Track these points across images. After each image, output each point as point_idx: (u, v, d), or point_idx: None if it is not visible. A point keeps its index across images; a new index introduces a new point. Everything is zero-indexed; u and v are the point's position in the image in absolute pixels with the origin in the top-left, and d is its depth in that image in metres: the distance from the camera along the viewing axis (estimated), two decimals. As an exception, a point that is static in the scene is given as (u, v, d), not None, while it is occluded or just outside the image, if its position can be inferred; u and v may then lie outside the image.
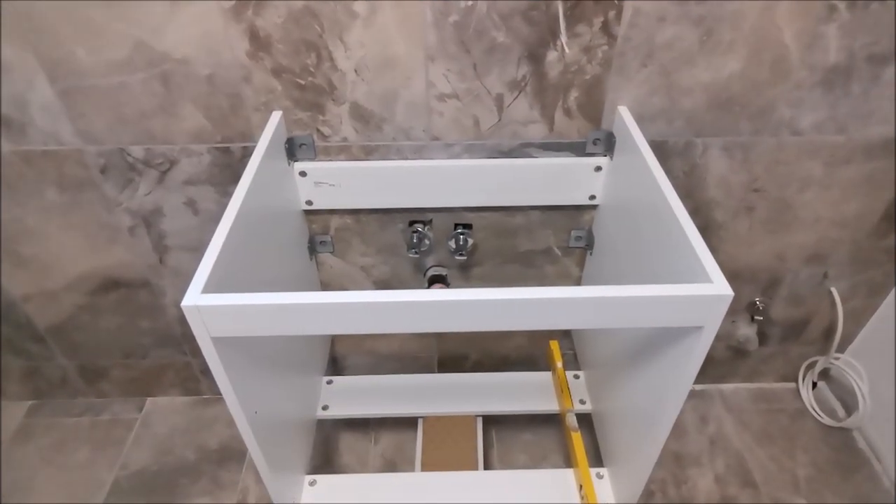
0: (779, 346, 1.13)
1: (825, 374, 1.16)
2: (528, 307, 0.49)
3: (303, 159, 0.81)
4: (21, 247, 0.90)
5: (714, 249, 0.94)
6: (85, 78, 0.72)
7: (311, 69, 0.72)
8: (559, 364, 0.98)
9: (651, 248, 0.67)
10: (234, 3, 0.67)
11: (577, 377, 1.01)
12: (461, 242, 0.88)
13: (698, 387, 1.20)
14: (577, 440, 0.86)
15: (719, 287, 0.48)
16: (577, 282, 0.99)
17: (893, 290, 1.01)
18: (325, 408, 0.97)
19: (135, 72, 0.72)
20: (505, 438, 1.11)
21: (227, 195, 0.84)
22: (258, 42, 0.70)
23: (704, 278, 0.50)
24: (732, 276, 0.99)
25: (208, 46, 0.70)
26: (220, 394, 0.55)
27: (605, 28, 0.70)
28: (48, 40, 0.68)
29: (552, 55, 0.72)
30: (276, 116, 0.75)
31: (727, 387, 1.20)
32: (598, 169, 0.82)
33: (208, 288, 0.50)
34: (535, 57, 0.72)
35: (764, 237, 0.93)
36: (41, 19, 0.67)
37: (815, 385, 1.16)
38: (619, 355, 0.80)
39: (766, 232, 0.93)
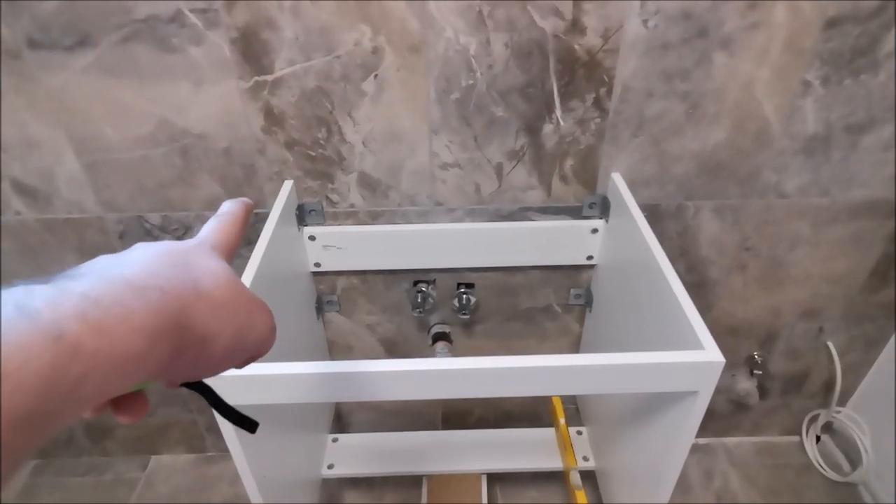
0: (780, 399, 1.14)
1: (828, 427, 1.16)
2: (526, 375, 0.51)
3: (312, 224, 0.84)
4: (38, 309, 0.93)
5: (710, 306, 0.97)
6: (110, 152, 0.77)
7: (322, 142, 0.77)
8: (562, 421, 0.99)
9: (646, 310, 0.69)
10: (251, 84, 0.72)
11: (579, 433, 1.02)
12: (464, 301, 0.91)
13: (702, 441, 1.20)
14: (581, 498, 0.86)
15: (711, 354, 0.51)
16: (578, 338, 1.01)
17: (890, 344, 1.03)
18: (330, 466, 0.97)
19: (157, 146, 0.76)
20: (510, 496, 1.10)
21: (238, 257, 0.87)
22: (273, 118, 0.75)
23: (696, 345, 0.52)
24: (729, 332, 1.01)
25: (226, 122, 0.75)
26: (225, 451, 0.57)
27: (598, 103, 0.75)
28: (78, 119, 0.73)
29: (548, 127, 0.77)
30: (287, 185, 0.79)
31: (731, 440, 1.20)
32: (595, 231, 0.85)
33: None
34: (532, 129, 0.77)
35: (758, 293, 0.96)
36: (73, 100, 0.72)
37: (818, 439, 1.16)
38: (619, 413, 0.81)
39: (759, 289, 0.95)
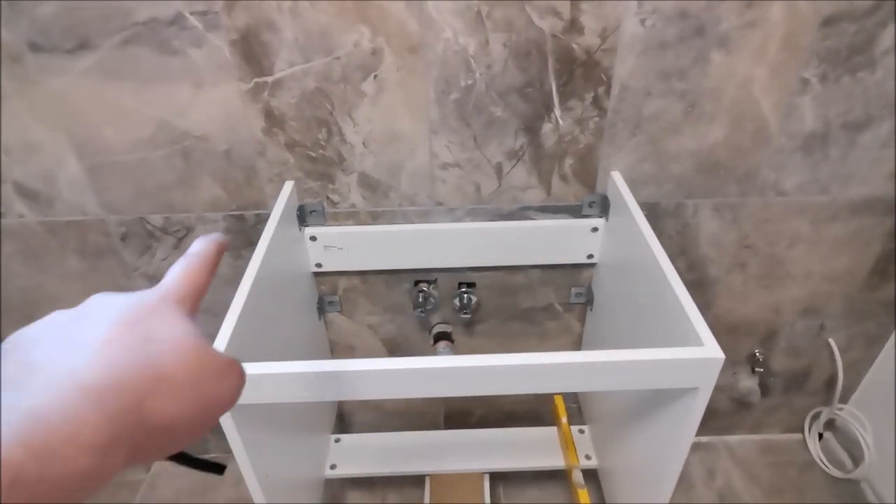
0: (782, 397, 1.14)
1: (831, 424, 1.16)
2: (528, 372, 0.52)
3: (313, 225, 0.85)
4: (41, 312, 0.93)
5: (710, 304, 0.97)
6: (111, 155, 0.77)
7: (322, 143, 0.77)
8: (564, 419, 1.00)
9: (646, 307, 0.70)
10: (251, 85, 0.72)
11: (581, 432, 1.02)
12: (465, 301, 0.91)
13: (704, 439, 1.20)
14: (584, 497, 0.86)
15: (711, 350, 0.51)
16: (579, 337, 1.02)
17: (891, 341, 1.03)
18: (332, 467, 0.98)
19: (157, 148, 0.77)
20: (512, 494, 1.11)
21: (240, 259, 0.88)
22: (273, 119, 0.75)
23: (696, 341, 0.52)
24: (730, 330, 1.01)
25: (227, 125, 0.75)
26: (227, 452, 0.57)
27: (596, 102, 0.75)
28: (80, 122, 0.74)
29: (547, 127, 0.77)
30: (288, 186, 0.80)
31: (733, 438, 1.20)
32: (595, 230, 0.86)
33: (228, 352, 0.53)
34: (531, 129, 0.77)
35: (758, 291, 0.96)
36: (74, 103, 0.72)
37: (821, 436, 1.16)
38: (621, 411, 0.81)
39: (759, 286, 0.96)
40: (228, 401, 0.27)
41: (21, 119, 0.73)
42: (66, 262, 0.87)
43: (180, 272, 0.29)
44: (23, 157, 0.77)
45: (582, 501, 0.86)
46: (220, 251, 0.32)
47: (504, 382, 0.52)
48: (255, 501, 0.64)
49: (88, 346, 0.23)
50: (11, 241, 0.85)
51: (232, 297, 0.59)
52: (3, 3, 0.65)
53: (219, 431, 0.55)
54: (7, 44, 0.68)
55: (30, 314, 0.93)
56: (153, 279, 0.90)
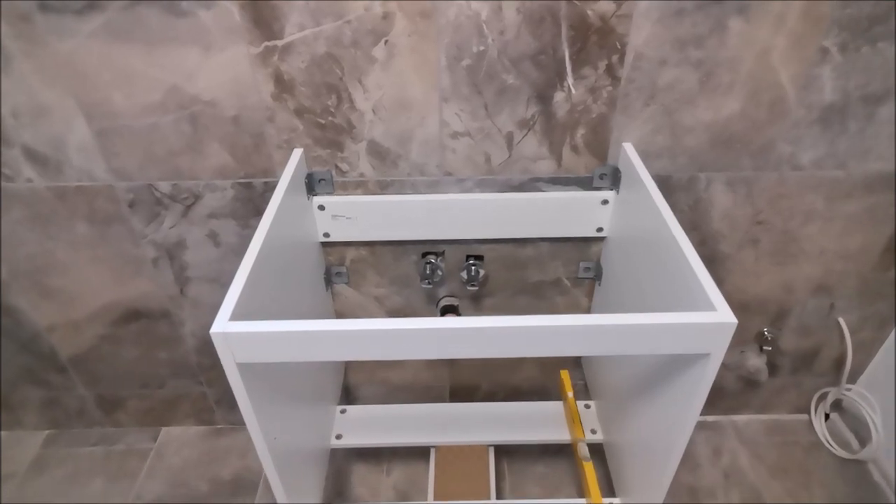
0: (790, 377, 1.14)
1: (837, 405, 1.16)
2: (537, 334, 0.51)
3: (321, 193, 0.84)
4: (49, 279, 0.94)
5: (721, 280, 0.96)
6: (120, 119, 0.76)
7: (332, 110, 0.77)
8: (570, 394, 1.00)
9: (657, 279, 0.69)
10: (261, 49, 0.72)
11: (587, 407, 1.02)
12: (473, 273, 0.91)
13: (710, 418, 1.20)
14: (590, 470, 0.87)
15: (723, 315, 0.50)
16: (587, 312, 1.01)
17: (901, 322, 1.02)
18: (338, 437, 0.98)
19: (166, 113, 0.76)
20: (517, 469, 1.11)
21: (248, 228, 0.88)
22: (282, 85, 0.74)
23: (708, 306, 0.52)
24: (740, 307, 1.00)
25: (236, 90, 0.74)
26: (234, 424, 0.57)
27: (610, 70, 0.74)
28: (88, 85, 0.73)
29: (559, 96, 0.76)
30: (297, 154, 0.79)
31: (740, 418, 1.20)
32: (605, 202, 0.85)
33: (235, 316, 0.53)
34: (543, 97, 0.76)
35: (770, 269, 0.95)
36: (83, 66, 0.72)
37: (827, 417, 1.16)
38: (628, 385, 0.81)
39: (772, 263, 0.95)
40: None
41: (30, 81, 0.73)
42: (75, 228, 0.87)
43: None
44: (32, 121, 0.76)
45: (587, 475, 0.86)
46: None
47: (513, 345, 0.52)
48: (263, 463, 0.64)
49: None
50: (20, 207, 0.85)
51: (238, 267, 0.59)
52: (10, -40, 0.64)
53: (226, 404, 0.55)
54: (18, 3, 0.67)
55: (39, 281, 0.94)
56: (160, 246, 0.90)
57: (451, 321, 0.51)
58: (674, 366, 0.61)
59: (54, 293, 0.96)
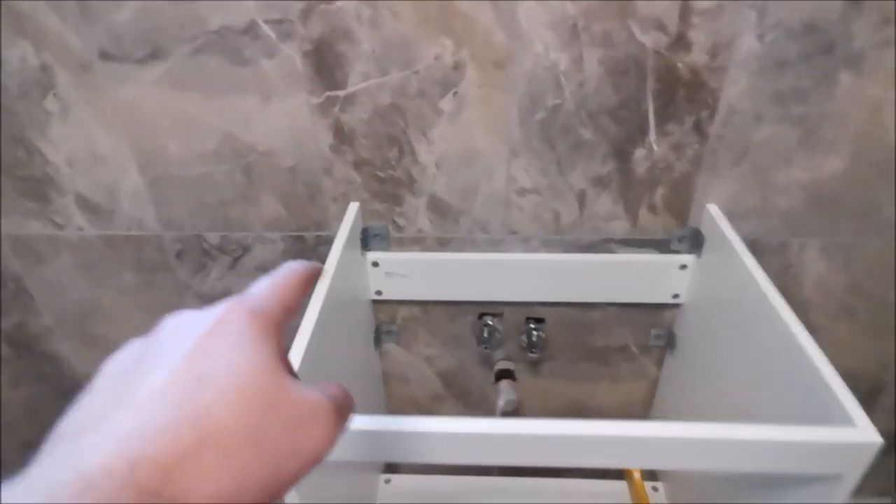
0: (879, 458, 1.01)
1: (938, 496, 1.02)
2: (611, 445, 0.43)
3: (376, 249, 0.79)
4: (93, 326, 0.91)
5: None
6: (173, 168, 0.74)
7: (392, 163, 0.72)
8: (636, 474, 0.90)
9: (748, 355, 0.61)
10: (322, 99, 0.68)
11: (655, 490, 0.92)
12: (534, 339, 0.84)
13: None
14: (663, 568, 0.77)
15: (865, 433, 0.42)
16: (655, 382, 0.92)
17: None
18: (381, 509, 0.91)
19: (220, 163, 0.73)
20: (571, 552, 1.01)
21: (296, 282, 0.83)
22: (342, 136, 0.70)
23: (839, 414, 0.44)
24: (830, 384, 0.90)
25: (294, 140, 0.71)
26: None
27: (697, 126, 0.67)
28: (145, 133, 0.71)
29: (639, 153, 0.70)
30: (353, 207, 0.74)
31: None
32: (684, 267, 0.77)
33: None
34: (621, 154, 0.70)
35: (865, 343, 0.85)
36: (141, 114, 0.69)
37: (925, 508, 1.02)
38: (713, 474, 0.71)
39: (867, 337, 0.85)
40: (311, 456, 0.21)
41: (87, 129, 0.71)
42: (122, 276, 0.84)
43: (268, 282, 0.25)
44: (86, 169, 0.74)
45: (660, 572, 0.76)
46: (315, 274, 0.28)
47: (579, 455, 0.44)
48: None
49: (131, 403, 0.19)
50: (69, 254, 0.82)
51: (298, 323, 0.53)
52: (77, 9, 0.62)
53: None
54: (79, 52, 0.65)
55: (82, 328, 0.91)
56: (206, 299, 0.86)
57: (503, 425, 0.43)
58: (787, 477, 0.52)
59: (97, 341, 0.92)
